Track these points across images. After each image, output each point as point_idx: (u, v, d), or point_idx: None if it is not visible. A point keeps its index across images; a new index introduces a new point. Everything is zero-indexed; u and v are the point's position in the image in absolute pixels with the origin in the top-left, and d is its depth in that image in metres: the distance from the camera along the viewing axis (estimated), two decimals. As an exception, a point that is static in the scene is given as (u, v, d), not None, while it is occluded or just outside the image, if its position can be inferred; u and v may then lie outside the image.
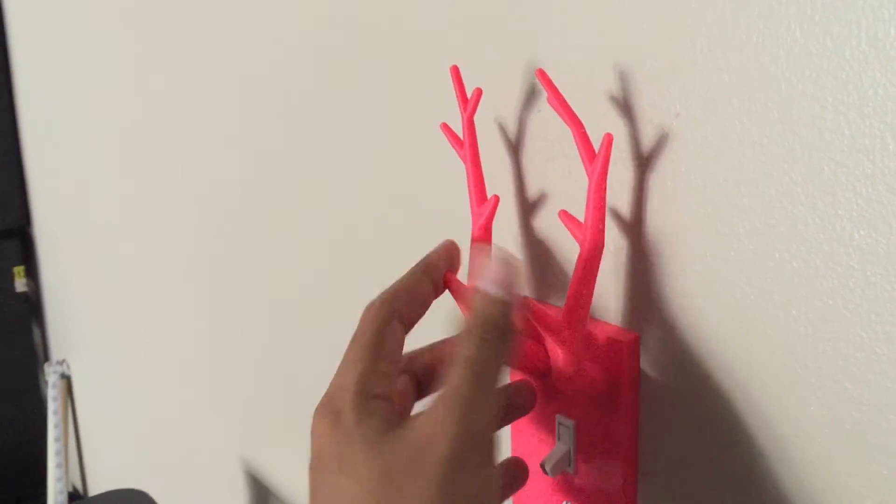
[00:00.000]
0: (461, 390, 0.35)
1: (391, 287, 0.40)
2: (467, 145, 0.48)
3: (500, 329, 0.37)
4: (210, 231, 0.95)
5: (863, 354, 0.35)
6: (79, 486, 1.87)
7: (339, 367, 0.39)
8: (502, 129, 0.49)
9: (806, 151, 0.35)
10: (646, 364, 0.44)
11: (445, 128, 0.49)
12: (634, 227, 0.43)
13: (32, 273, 1.89)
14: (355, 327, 0.40)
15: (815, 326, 0.36)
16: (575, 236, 0.42)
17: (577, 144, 0.41)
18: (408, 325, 0.40)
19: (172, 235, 1.07)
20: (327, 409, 0.38)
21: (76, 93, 1.34)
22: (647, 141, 0.41)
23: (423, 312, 0.41)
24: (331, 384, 0.39)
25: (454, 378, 0.36)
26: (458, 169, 0.49)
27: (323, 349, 0.76)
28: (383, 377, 0.38)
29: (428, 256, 0.43)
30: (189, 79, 0.91)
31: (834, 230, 0.35)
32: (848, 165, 0.34)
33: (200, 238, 0.98)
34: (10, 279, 1.87)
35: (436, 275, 0.42)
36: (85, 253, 1.50)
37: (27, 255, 1.88)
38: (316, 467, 0.37)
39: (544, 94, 0.46)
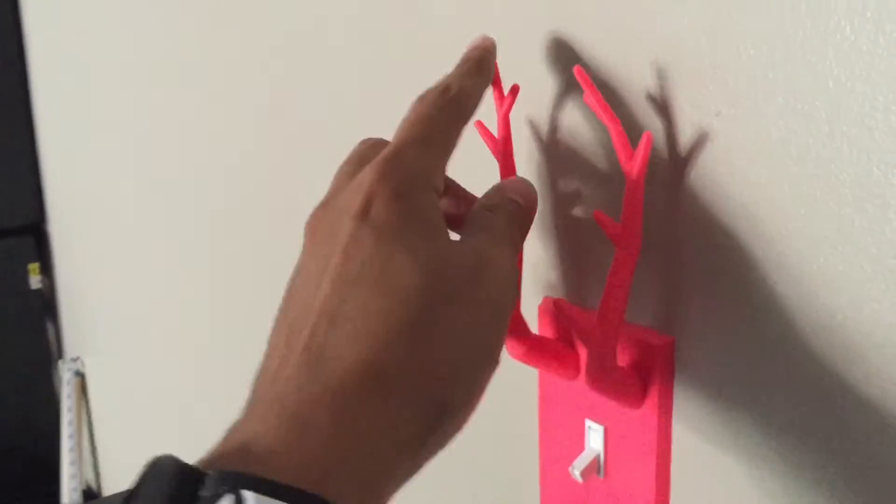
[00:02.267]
0: None
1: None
2: (501, 143, 0.47)
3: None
4: (226, 227, 0.94)
5: (912, 361, 0.34)
6: (93, 484, 1.87)
7: (402, 137, 0.37)
8: (534, 128, 0.48)
9: (854, 152, 0.34)
10: (681, 369, 0.43)
11: (480, 125, 0.48)
12: (672, 229, 0.42)
13: (47, 270, 1.89)
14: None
15: (862, 331, 0.35)
16: (611, 237, 0.41)
17: (614, 143, 0.40)
18: None
19: (188, 232, 1.06)
20: (399, 173, 0.35)
21: (92, 89, 1.33)
22: (686, 140, 0.40)
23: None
24: (396, 148, 0.36)
25: None
26: (491, 167, 0.48)
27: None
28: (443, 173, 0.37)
29: (452, 77, 0.40)
30: (205, 76, 0.91)
31: (883, 233, 0.34)
32: (899, 166, 0.33)
33: (216, 234, 0.97)
34: (25, 276, 1.87)
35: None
36: (100, 250, 1.50)
37: (42, 252, 1.88)
38: (371, 226, 0.34)
39: (580, 92, 0.45)
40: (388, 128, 0.39)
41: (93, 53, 1.29)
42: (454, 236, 0.37)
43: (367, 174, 0.35)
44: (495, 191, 0.40)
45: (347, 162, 0.39)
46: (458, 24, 0.53)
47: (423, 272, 0.33)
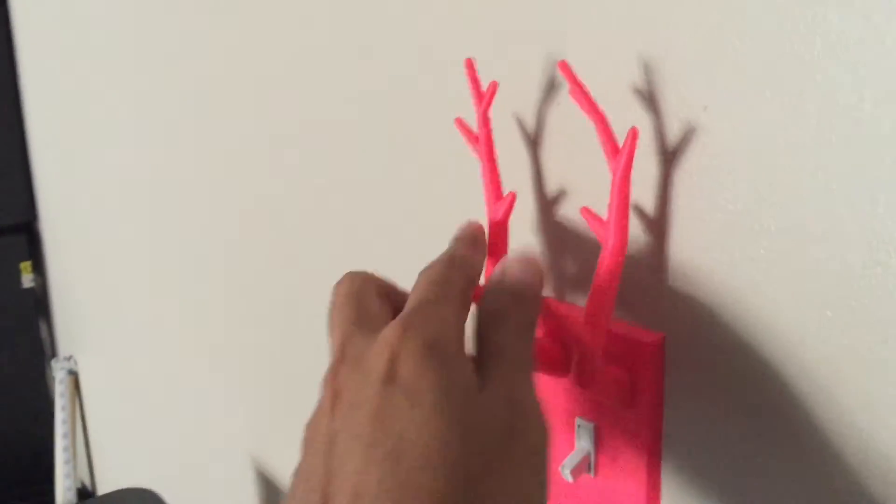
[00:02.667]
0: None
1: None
2: (482, 141, 0.46)
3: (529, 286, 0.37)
4: (219, 227, 0.93)
5: (903, 358, 0.33)
6: (87, 483, 1.87)
7: (419, 298, 0.35)
8: (520, 124, 0.48)
9: (843, 145, 0.33)
10: (670, 366, 0.43)
11: (460, 123, 0.47)
12: (659, 224, 0.41)
13: (39, 268, 1.88)
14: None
15: (851, 328, 0.35)
16: (598, 234, 0.41)
17: (599, 139, 0.40)
18: None
19: (180, 232, 1.06)
20: (423, 330, 0.33)
21: (84, 87, 1.32)
22: (673, 135, 0.40)
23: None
24: (416, 308, 0.35)
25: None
26: (473, 166, 0.47)
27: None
28: (463, 330, 0.35)
29: (455, 248, 0.41)
30: (196, 74, 0.90)
31: (873, 228, 0.33)
32: (888, 160, 0.32)
33: (210, 234, 0.96)
34: (17, 275, 1.86)
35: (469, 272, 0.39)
36: (92, 248, 1.49)
37: (34, 251, 1.87)
38: (402, 389, 0.32)
39: (564, 87, 0.45)
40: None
41: (84, 51, 1.28)
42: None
43: (390, 333, 0.33)
44: (496, 284, 0.38)
45: (342, 305, 0.38)
46: (445, 22, 0.52)
47: (463, 440, 0.30)
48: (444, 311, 0.35)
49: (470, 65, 0.45)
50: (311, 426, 0.34)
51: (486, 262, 0.43)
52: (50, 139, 1.64)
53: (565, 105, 0.45)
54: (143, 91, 1.07)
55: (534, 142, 0.47)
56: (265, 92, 0.76)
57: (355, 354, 0.34)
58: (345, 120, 0.65)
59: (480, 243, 0.42)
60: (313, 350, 0.79)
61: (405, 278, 0.41)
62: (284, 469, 0.92)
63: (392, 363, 0.32)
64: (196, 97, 0.91)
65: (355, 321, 0.36)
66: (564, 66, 0.40)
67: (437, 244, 0.57)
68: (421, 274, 0.38)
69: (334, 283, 0.40)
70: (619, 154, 0.39)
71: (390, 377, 0.32)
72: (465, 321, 0.36)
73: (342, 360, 0.35)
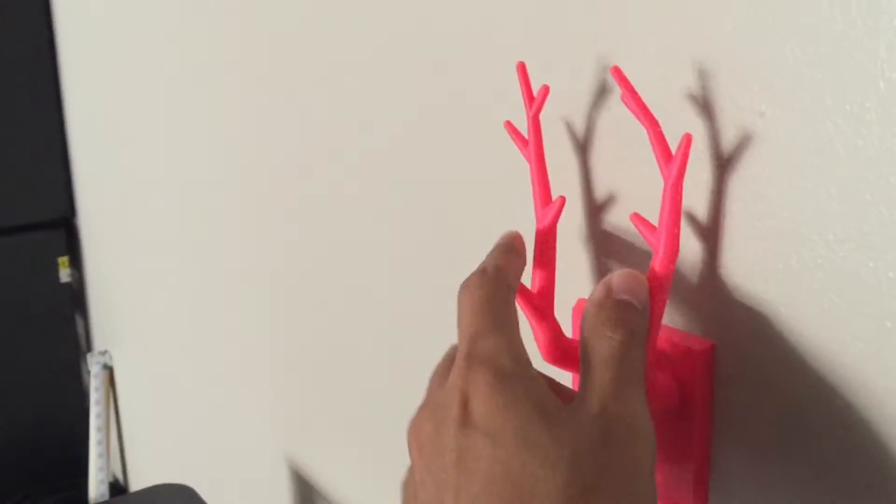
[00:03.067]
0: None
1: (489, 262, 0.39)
2: (532, 144, 0.46)
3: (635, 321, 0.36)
4: (254, 223, 0.94)
5: (965, 372, 0.33)
6: (119, 477, 1.88)
7: (470, 332, 0.35)
8: (569, 128, 0.47)
9: (907, 155, 0.33)
10: (721, 375, 0.42)
11: (510, 126, 0.47)
12: (711, 231, 0.41)
13: (77, 263, 1.90)
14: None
15: (912, 341, 0.34)
16: (648, 241, 0.40)
17: (652, 145, 0.39)
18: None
19: (217, 226, 1.06)
20: (485, 366, 0.33)
21: (123, 84, 1.34)
22: (728, 141, 0.39)
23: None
24: (470, 345, 0.35)
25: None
26: (522, 169, 0.47)
27: (369, 345, 0.75)
28: (523, 347, 0.35)
29: (488, 261, 0.40)
30: (235, 73, 0.90)
31: (936, 239, 0.32)
32: (955, 170, 0.31)
33: (245, 230, 0.97)
34: (55, 269, 1.88)
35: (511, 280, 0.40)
36: (129, 244, 1.50)
37: (71, 246, 1.89)
38: (480, 431, 0.31)
39: (615, 92, 0.44)
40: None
41: (124, 49, 1.30)
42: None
43: (455, 376, 0.34)
44: (603, 296, 0.37)
45: (437, 372, 0.38)
46: (495, 22, 0.52)
47: (554, 466, 0.30)
48: (497, 338, 0.35)
49: (522, 68, 0.45)
50: (406, 477, 0.35)
51: (523, 266, 0.42)
52: (89, 136, 1.66)
53: (616, 110, 0.44)
54: (181, 87, 1.07)
55: (583, 147, 0.47)
56: (310, 97, 0.76)
57: (434, 401, 0.35)
58: (395, 120, 0.65)
59: (517, 249, 0.42)
60: (348, 346, 0.79)
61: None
62: (318, 466, 0.92)
63: (464, 406, 0.32)
64: (235, 94, 0.91)
65: (439, 370, 0.38)
66: (617, 71, 0.40)
67: (483, 247, 0.57)
68: (460, 296, 0.38)
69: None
70: (672, 160, 0.39)
71: (465, 421, 0.32)
72: (518, 334, 0.36)
73: (421, 410, 0.36)
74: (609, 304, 0.37)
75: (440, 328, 0.64)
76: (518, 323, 0.37)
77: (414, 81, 0.61)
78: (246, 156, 0.92)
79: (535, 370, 0.35)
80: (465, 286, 0.38)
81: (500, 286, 0.38)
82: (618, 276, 0.38)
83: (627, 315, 0.36)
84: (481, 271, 0.38)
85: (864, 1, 0.33)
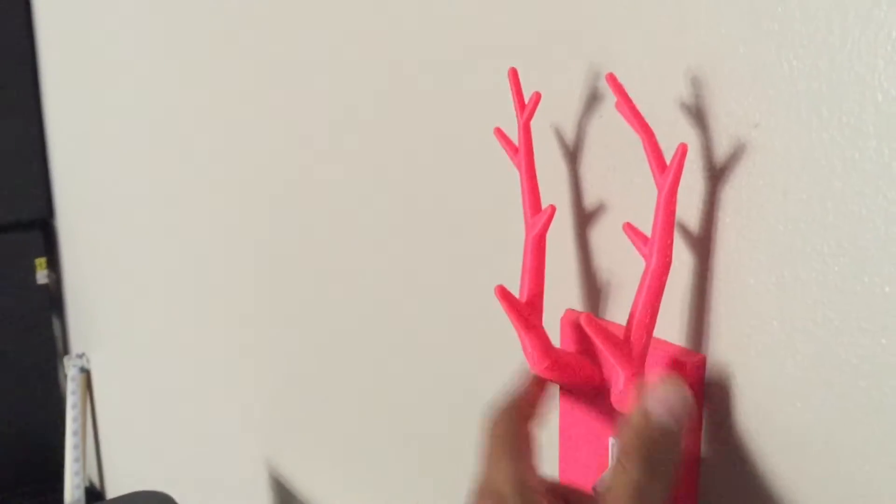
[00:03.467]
0: None
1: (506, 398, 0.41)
2: (522, 152, 0.45)
3: (665, 454, 0.35)
4: (234, 227, 0.93)
5: (961, 389, 0.32)
6: (96, 481, 1.86)
7: (481, 465, 0.38)
8: (559, 136, 0.47)
9: (904, 168, 0.32)
10: (710, 388, 0.42)
11: (499, 133, 0.47)
12: (703, 243, 0.40)
13: (54, 265, 1.88)
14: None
15: (908, 356, 0.33)
16: (640, 251, 0.40)
17: (646, 154, 0.39)
18: None
19: (195, 230, 1.05)
20: (490, 495, 0.36)
21: (102, 86, 1.32)
22: (722, 152, 0.39)
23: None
24: (480, 476, 0.38)
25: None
26: (511, 177, 0.46)
27: (351, 351, 0.74)
28: (535, 473, 0.37)
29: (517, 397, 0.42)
30: (212, 74, 0.89)
31: (934, 254, 0.32)
32: (953, 185, 0.31)
33: (225, 233, 0.96)
34: (32, 271, 1.86)
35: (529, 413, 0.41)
36: (107, 246, 1.49)
37: (49, 247, 1.86)
38: None
39: (607, 100, 0.44)
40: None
41: (104, 50, 1.28)
42: None
43: None
44: (634, 417, 0.37)
45: None
46: (487, 26, 0.51)
47: None
48: (502, 470, 0.37)
49: (514, 74, 0.44)
50: None
51: (540, 395, 0.43)
52: (68, 137, 1.64)
53: (607, 118, 0.44)
54: (159, 91, 1.06)
55: (573, 155, 0.47)
56: (277, 92, 0.75)
57: None
58: (381, 122, 0.64)
59: (534, 383, 0.43)
60: (329, 353, 0.78)
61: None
62: (297, 472, 0.91)
63: None
64: (211, 97, 0.90)
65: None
66: (612, 79, 0.39)
67: (473, 254, 0.56)
68: (480, 428, 0.40)
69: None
70: (667, 170, 0.38)
71: None
72: (527, 461, 0.38)
73: None
74: (634, 430, 0.36)
75: (426, 335, 0.63)
76: (530, 449, 0.38)
77: (404, 84, 0.60)
78: (226, 158, 0.91)
79: (538, 494, 0.36)
80: (482, 420, 0.40)
81: (513, 417, 0.40)
82: (653, 390, 0.37)
83: (653, 446, 0.35)
84: (494, 405, 0.40)
85: (861, 11, 0.33)
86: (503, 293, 0.42)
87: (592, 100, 0.45)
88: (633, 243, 0.40)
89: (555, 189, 0.47)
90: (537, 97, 0.44)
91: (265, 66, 0.79)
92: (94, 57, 1.34)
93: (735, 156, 0.38)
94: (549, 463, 0.51)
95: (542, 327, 0.44)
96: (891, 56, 0.32)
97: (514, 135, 0.46)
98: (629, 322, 0.40)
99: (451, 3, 0.53)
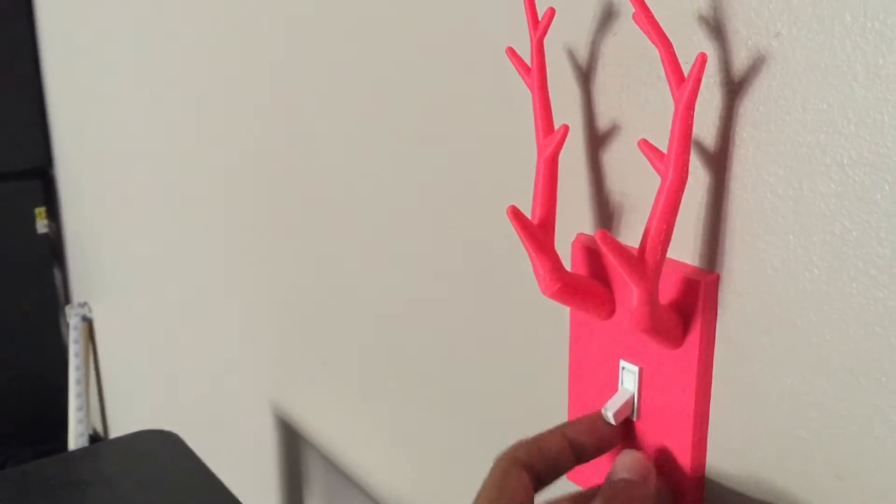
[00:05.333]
0: None
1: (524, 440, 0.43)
2: (535, 70, 0.45)
3: None
4: (238, 169, 0.92)
5: (981, 296, 0.32)
6: (100, 430, 1.87)
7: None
8: (573, 57, 0.46)
9: (929, 72, 0.32)
10: (724, 308, 0.41)
11: (511, 53, 0.46)
12: (720, 158, 0.40)
13: (54, 214, 1.87)
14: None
15: (928, 266, 0.33)
16: (656, 168, 0.39)
17: (664, 66, 0.38)
18: (537, 478, 0.42)
19: (195, 176, 1.04)
20: None
21: (100, 30, 1.30)
22: (741, 64, 0.38)
23: (558, 472, 0.43)
24: None
25: None
26: (524, 97, 0.46)
27: (357, 287, 0.74)
28: None
29: (571, 422, 0.45)
30: (216, 24, 0.88)
31: (958, 159, 0.32)
32: (980, 87, 0.30)
33: (228, 176, 0.95)
34: (32, 220, 1.85)
35: (575, 439, 0.43)
36: (107, 194, 1.48)
37: (49, 197, 1.86)
38: None
39: (621, 16, 0.43)
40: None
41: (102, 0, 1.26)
42: None
43: None
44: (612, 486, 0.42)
45: None
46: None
47: None
48: None
49: (526, -10, 0.44)
50: None
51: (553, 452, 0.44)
52: (66, 85, 1.62)
53: (622, 35, 0.43)
54: (160, 33, 1.05)
55: (586, 75, 0.46)
56: (283, 46, 0.74)
57: None
58: (390, 39, 0.63)
59: (575, 435, 0.44)
60: (332, 293, 0.78)
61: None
62: (302, 412, 0.91)
63: None
64: (217, 46, 0.89)
65: None
66: (629, -11, 0.39)
67: (481, 183, 0.55)
68: None
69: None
70: (685, 82, 0.37)
71: None
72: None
73: None
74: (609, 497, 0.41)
75: (435, 265, 0.63)
76: (504, 487, 0.40)
77: (408, 10, 0.59)
78: (231, 103, 0.90)
79: None
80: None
81: (505, 461, 0.41)
82: (620, 459, 0.43)
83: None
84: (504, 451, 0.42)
85: (890, -89, 0.32)
86: (515, 213, 0.41)
87: (606, 17, 0.44)
88: (649, 159, 0.39)
89: (568, 111, 0.47)
90: (551, 12, 0.43)
91: (278, 22, 0.78)
92: (92, 4, 1.32)
93: (754, 68, 0.37)
94: (559, 388, 0.51)
95: (553, 249, 0.44)
96: (919, -44, 0.31)
97: (527, 56, 0.45)
98: (643, 239, 0.40)
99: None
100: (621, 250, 0.39)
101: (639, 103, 0.43)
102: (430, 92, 0.59)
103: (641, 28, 0.38)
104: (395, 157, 0.64)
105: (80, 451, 0.81)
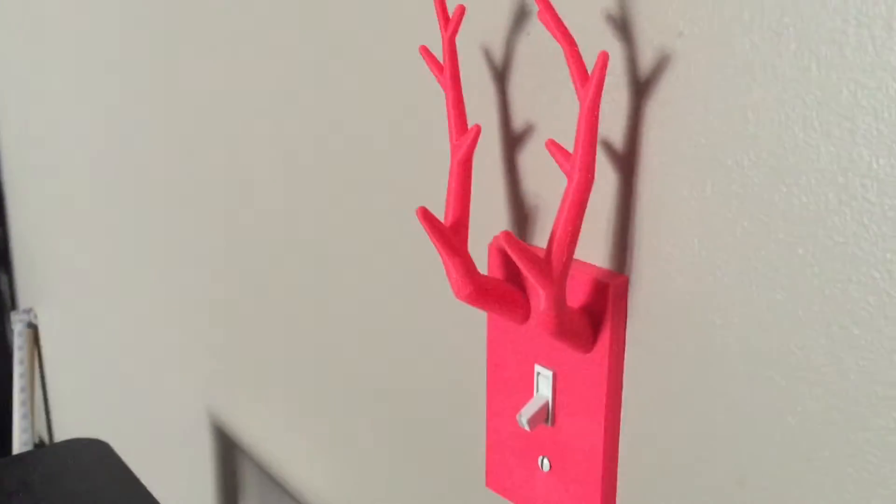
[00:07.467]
0: None
1: None
2: (447, 69, 0.44)
3: None
4: (181, 176, 0.90)
5: (875, 298, 0.32)
6: (45, 437, 1.84)
7: None
8: (487, 55, 0.45)
9: (823, 72, 0.31)
10: (634, 310, 0.41)
11: (425, 51, 0.45)
12: (627, 159, 0.39)
13: (0, 219, 1.84)
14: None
15: (823, 267, 0.33)
16: (563, 168, 0.39)
17: (568, 65, 0.37)
18: None
19: (142, 182, 1.03)
20: None
21: (43, 32, 1.28)
22: (646, 64, 0.38)
23: None
24: None
25: None
26: (438, 97, 0.45)
27: (292, 302, 0.73)
28: None
29: None
30: (164, 24, 0.86)
31: (850, 159, 0.31)
32: (870, 86, 0.30)
33: (171, 184, 0.93)
34: (-23, 225, 1.81)
35: None
36: (53, 199, 1.45)
37: (-6, 201, 1.82)
38: None
39: (534, 14, 0.42)
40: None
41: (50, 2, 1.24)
42: None
43: None
44: None
45: None
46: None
47: None
48: None
49: (435, -13, 0.43)
50: None
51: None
52: (12, 87, 1.59)
53: (535, 34, 0.43)
54: (106, 34, 1.03)
55: (501, 75, 0.45)
56: (239, 46, 0.73)
57: None
58: (304, 40, 0.62)
59: None
60: (271, 304, 0.77)
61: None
62: (239, 421, 0.90)
63: None
64: (163, 43, 0.88)
65: None
66: (534, -13, 0.38)
67: (399, 178, 0.54)
68: None
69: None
70: (589, 81, 0.37)
71: None
72: None
73: None
74: None
75: (371, 280, 0.62)
76: None
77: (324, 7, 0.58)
78: (174, 103, 0.89)
79: None
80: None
81: None
82: None
83: None
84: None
85: None
86: (425, 215, 0.40)
87: (520, 16, 0.43)
88: (556, 160, 0.39)
89: (482, 111, 0.46)
90: (461, 9, 0.42)
91: (212, 12, 0.77)
92: (31, 7, 1.30)
93: (659, 68, 0.37)
94: (477, 387, 0.51)
95: (466, 252, 0.43)
96: (811, -46, 0.31)
97: (439, 54, 0.44)
98: (550, 241, 0.39)
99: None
100: (526, 252, 0.38)
101: (552, 103, 0.43)
102: (341, 91, 0.58)
103: (546, 26, 0.38)
104: (307, 160, 0.63)
105: (5, 460, 0.79)
